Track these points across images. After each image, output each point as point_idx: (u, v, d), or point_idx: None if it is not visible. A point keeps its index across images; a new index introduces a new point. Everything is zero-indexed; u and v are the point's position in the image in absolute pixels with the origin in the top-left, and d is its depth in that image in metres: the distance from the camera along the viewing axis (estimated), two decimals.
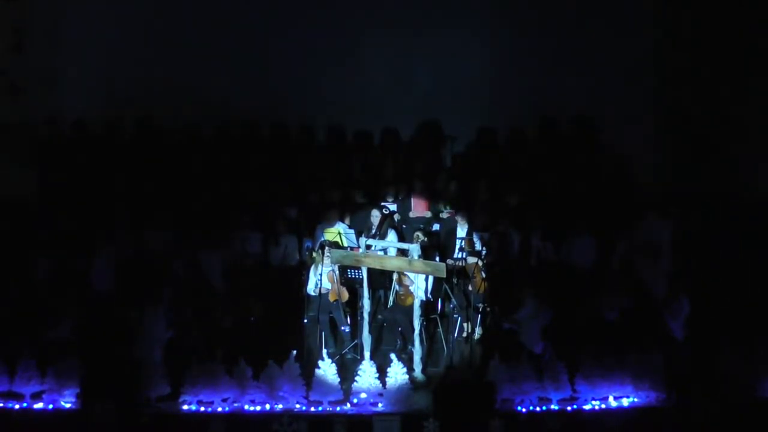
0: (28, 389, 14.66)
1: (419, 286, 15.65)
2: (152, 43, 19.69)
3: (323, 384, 14.65)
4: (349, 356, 16.00)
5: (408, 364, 15.12)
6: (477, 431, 14.13)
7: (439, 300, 16.52)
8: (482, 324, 16.00)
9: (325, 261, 16.01)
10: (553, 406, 14.55)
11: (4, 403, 14.57)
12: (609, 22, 19.53)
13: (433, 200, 17.81)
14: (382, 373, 14.73)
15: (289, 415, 14.31)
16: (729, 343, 15.06)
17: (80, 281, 16.41)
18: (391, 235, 16.69)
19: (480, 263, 16.20)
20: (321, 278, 16.00)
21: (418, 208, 17.59)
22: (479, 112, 19.41)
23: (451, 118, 19.42)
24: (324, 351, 15.49)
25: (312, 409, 14.52)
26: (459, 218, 16.95)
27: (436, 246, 16.84)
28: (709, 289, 16.07)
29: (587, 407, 14.60)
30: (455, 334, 16.24)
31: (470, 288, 16.16)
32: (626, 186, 18.66)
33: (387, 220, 16.91)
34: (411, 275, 15.72)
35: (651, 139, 19.38)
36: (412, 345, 15.47)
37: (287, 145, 19.40)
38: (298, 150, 19.25)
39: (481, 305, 15.97)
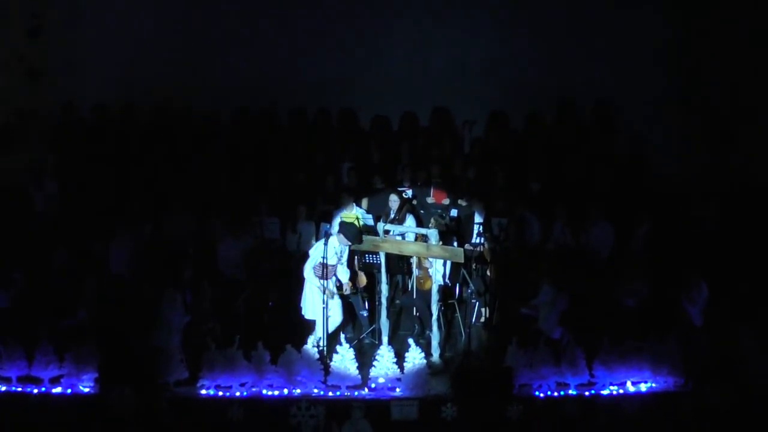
0: (46, 374, 14.66)
1: (438, 269, 15.61)
2: (171, 28, 19.70)
3: (341, 369, 14.65)
4: (367, 341, 16.01)
5: (426, 349, 15.10)
6: (495, 416, 14.14)
7: (457, 285, 16.48)
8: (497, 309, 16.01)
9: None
10: (570, 391, 14.53)
11: (22, 388, 14.61)
12: (631, 7, 19.41)
13: (452, 186, 17.73)
14: (400, 358, 14.72)
15: (307, 399, 14.31)
16: (747, 328, 15.00)
17: (98, 267, 16.41)
18: (410, 220, 16.63)
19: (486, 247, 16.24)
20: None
21: (437, 198, 17.53)
22: (498, 96, 19.34)
23: (469, 102, 19.38)
24: (342, 336, 15.47)
25: (330, 393, 14.51)
26: (475, 204, 16.96)
27: (455, 231, 16.80)
28: (728, 275, 15.98)
29: (605, 392, 14.56)
30: (473, 320, 16.24)
31: (488, 273, 16.13)
32: (645, 172, 18.57)
33: (405, 205, 16.87)
34: (430, 258, 15.70)
35: (671, 125, 19.27)
36: (430, 330, 15.47)
37: (305, 131, 19.39)
38: (316, 135, 19.23)
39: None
